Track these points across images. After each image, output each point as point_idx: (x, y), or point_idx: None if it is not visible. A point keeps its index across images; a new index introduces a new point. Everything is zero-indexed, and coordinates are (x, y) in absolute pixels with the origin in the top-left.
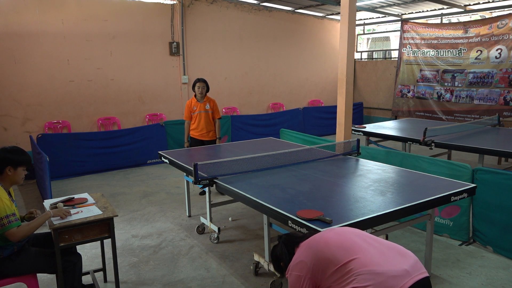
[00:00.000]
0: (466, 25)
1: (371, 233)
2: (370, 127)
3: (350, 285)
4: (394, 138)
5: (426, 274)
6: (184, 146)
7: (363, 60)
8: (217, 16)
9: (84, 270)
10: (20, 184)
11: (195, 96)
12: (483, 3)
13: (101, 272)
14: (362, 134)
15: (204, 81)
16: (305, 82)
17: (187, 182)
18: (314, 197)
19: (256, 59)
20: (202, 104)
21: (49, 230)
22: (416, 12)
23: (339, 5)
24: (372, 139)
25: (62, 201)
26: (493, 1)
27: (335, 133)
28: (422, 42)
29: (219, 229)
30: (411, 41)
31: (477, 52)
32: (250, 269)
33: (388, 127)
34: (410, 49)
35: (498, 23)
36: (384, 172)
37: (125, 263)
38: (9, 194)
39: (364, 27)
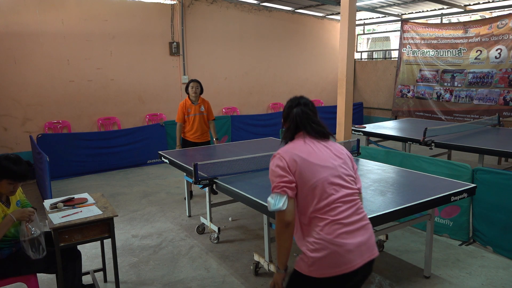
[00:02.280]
0: (466, 25)
1: None
2: (370, 127)
3: (317, 227)
4: (394, 138)
5: (376, 254)
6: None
7: (363, 60)
8: (217, 16)
9: (84, 270)
10: (10, 195)
11: (189, 97)
12: (483, 3)
13: (101, 272)
14: (362, 134)
15: (198, 81)
16: (305, 82)
17: (187, 182)
18: None
19: (256, 59)
20: (197, 106)
21: (49, 230)
22: (416, 12)
23: (339, 5)
24: (372, 139)
25: (62, 201)
26: (493, 1)
27: (335, 133)
28: (422, 42)
29: (219, 229)
30: (411, 41)
31: (476, 52)
32: (250, 269)
33: (388, 127)
34: (410, 49)
35: (498, 23)
36: (384, 172)
37: (125, 263)
38: (7, 199)
39: (364, 27)
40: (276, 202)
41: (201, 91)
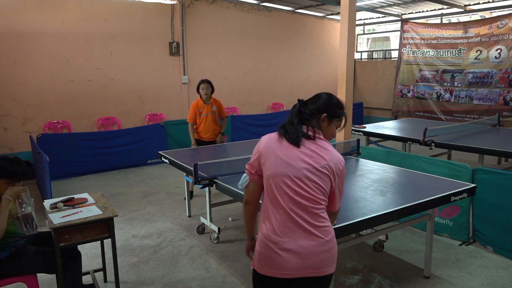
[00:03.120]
0: (466, 25)
1: (371, 233)
2: (370, 127)
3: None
4: (394, 138)
5: (321, 274)
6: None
7: (363, 60)
8: (217, 16)
9: (84, 270)
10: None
11: (201, 97)
12: (483, 3)
13: (101, 272)
14: (362, 134)
15: (208, 82)
16: (305, 82)
17: (187, 182)
18: None
19: (256, 59)
20: (209, 106)
21: (49, 230)
22: (416, 12)
23: (339, 5)
24: (372, 139)
25: (62, 201)
26: (493, 1)
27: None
28: (422, 42)
29: (219, 229)
30: (411, 41)
31: (476, 52)
32: (250, 269)
33: (388, 127)
34: (410, 49)
35: (498, 23)
36: (384, 172)
37: (125, 263)
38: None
39: (364, 27)
40: (242, 178)
41: (212, 91)
